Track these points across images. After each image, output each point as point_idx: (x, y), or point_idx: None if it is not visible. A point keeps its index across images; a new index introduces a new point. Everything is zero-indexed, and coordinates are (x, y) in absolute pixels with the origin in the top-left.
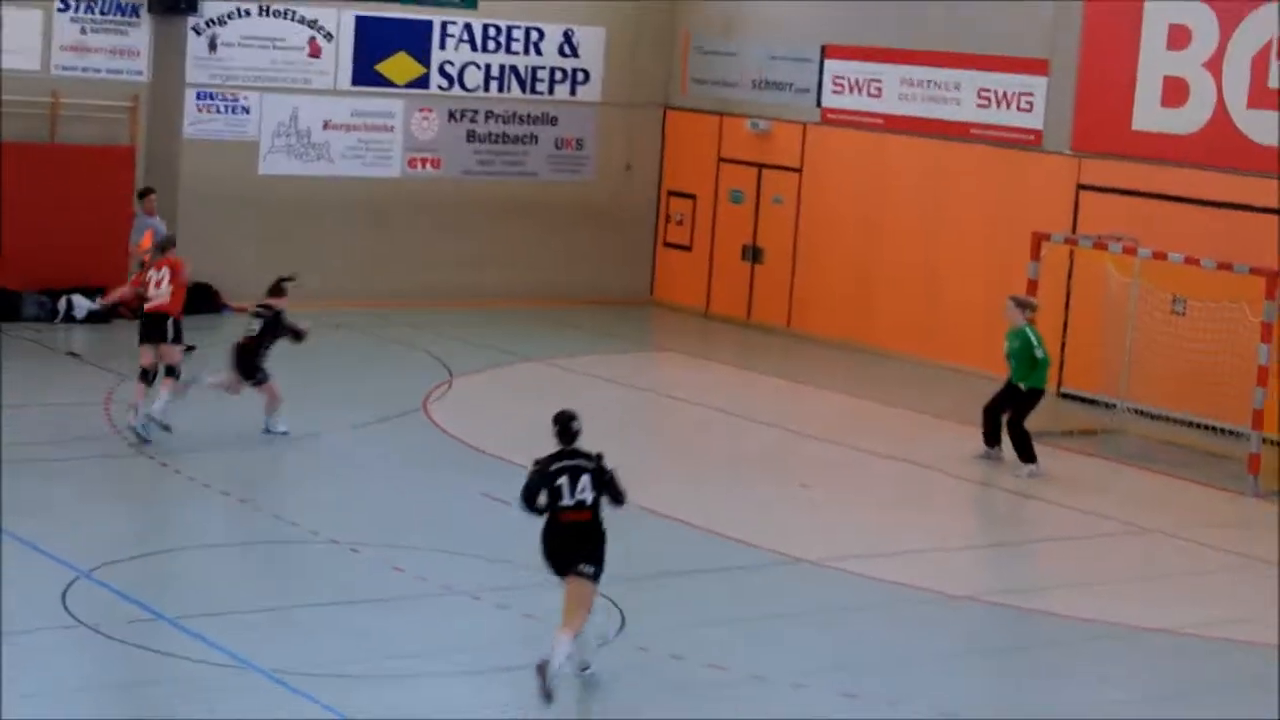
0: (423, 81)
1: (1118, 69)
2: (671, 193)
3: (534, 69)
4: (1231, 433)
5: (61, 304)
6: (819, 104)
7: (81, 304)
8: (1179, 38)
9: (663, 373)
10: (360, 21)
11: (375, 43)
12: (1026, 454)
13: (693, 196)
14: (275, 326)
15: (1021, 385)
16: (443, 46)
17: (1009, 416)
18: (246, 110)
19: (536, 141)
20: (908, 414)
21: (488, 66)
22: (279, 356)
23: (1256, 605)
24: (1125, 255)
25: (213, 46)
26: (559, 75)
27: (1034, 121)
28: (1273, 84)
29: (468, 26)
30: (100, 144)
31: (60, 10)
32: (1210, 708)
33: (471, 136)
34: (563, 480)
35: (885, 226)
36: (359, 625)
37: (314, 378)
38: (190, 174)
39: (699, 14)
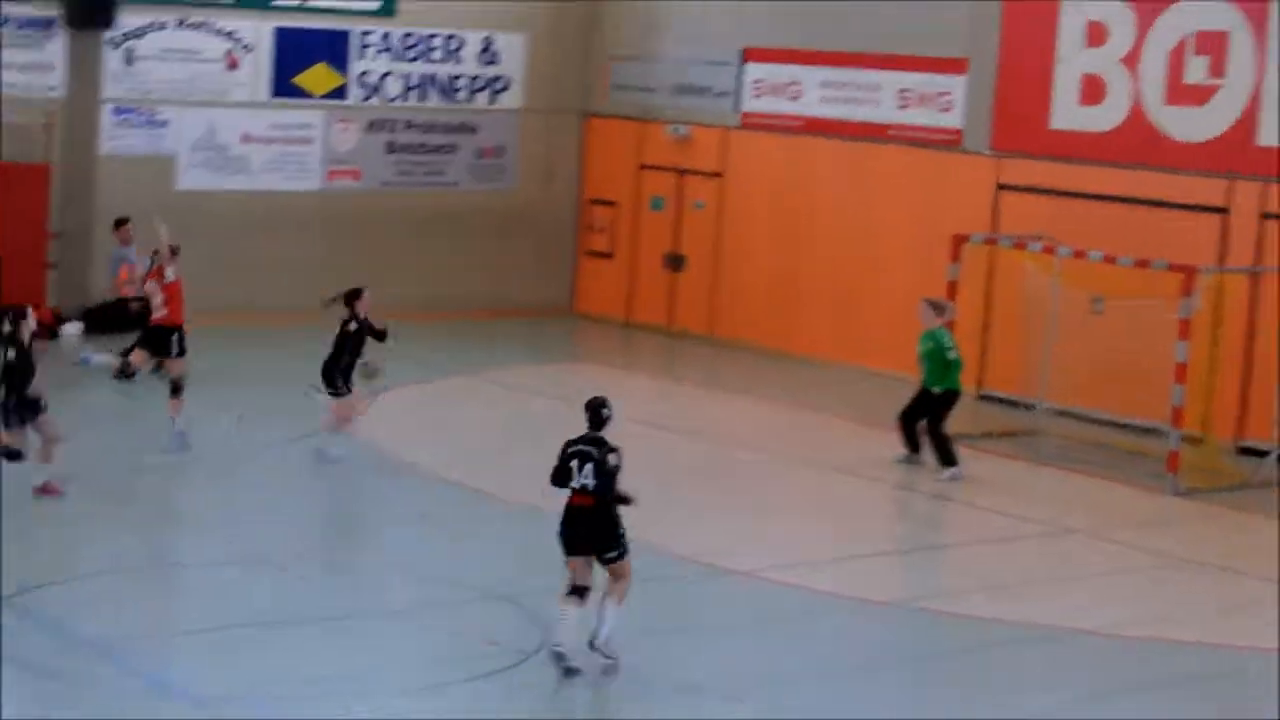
0: (341, 92)
1: (1035, 68)
2: (592, 200)
3: (454, 77)
4: (1151, 431)
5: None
6: (739, 108)
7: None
8: (1096, 35)
9: (585, 383)
10: (278, 33)
11: (293, 54)
12: (947, 458)
13: (614, 204)
14: (357, 335)
15: (935, 389)
16: (361, 57)
17: (927, 421)
18: (164, 124)
19: (457, 151)
20: (830, 419)
21: (407, 76)
22: (201, 376)
23: (1180, 604)
24: (1044, 254)
25: (129, 60)
26: (479, 83)
27: (953, 121)
28: (1189, 80)
29: (386, 36)
30: (14, 161)
31: None
32: (1138, 708)
33: (391, 147)
34: (574, 463)
35: (807, 230)
36: (284, 645)
37: (237, 394)
38: (107, 190)
39: (618, 20)
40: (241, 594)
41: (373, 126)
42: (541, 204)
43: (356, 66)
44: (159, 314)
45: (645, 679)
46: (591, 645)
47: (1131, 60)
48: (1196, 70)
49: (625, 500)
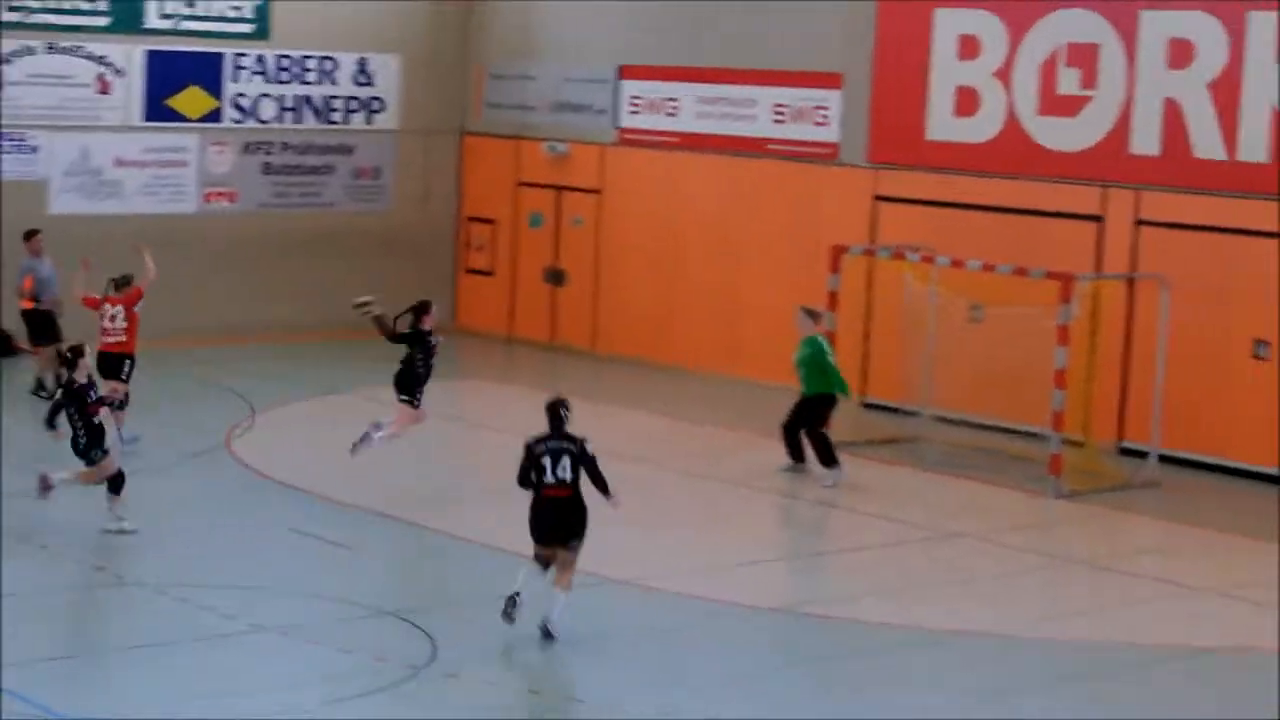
0: (216, 115)
1: (910, 81)
2: (471, 219)
3: (329, 99)
4: (1033, 435)
5: None
6: (616, 125)
7: None
8: (969, 48)
9: (468, 400)
10: (150, 56)
11: (166, 77)
12: (828, 459)
13: (492, 222)
14: (425, 347)
15: (815, 394)
16: (235, 79)
17: (808, 424)
18: (35, 149)
19: (334, 172)
20: (714, 431)
21: (282, 97)
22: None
23: (1064, 604)
24: (923, 264)
25: None
26: (354, 104)
27: (830, 135)
28: (1062, 91)
29: (260, 58)
30: None
31: None
32: (1025, 708)
33: (267, 169)
34: (546, 460)
35: (685, 244)
36: (167, 667)
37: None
38: None
39: (494, 39)
40: (125, 616)
41: (249, 149)
42: (420, 223)
43: (231, 89)
44: (116, 339)
45: (534, 689)
46: (544, 629)
47: (1004, 72)
48: (1069, 81)
49: (605, 483)
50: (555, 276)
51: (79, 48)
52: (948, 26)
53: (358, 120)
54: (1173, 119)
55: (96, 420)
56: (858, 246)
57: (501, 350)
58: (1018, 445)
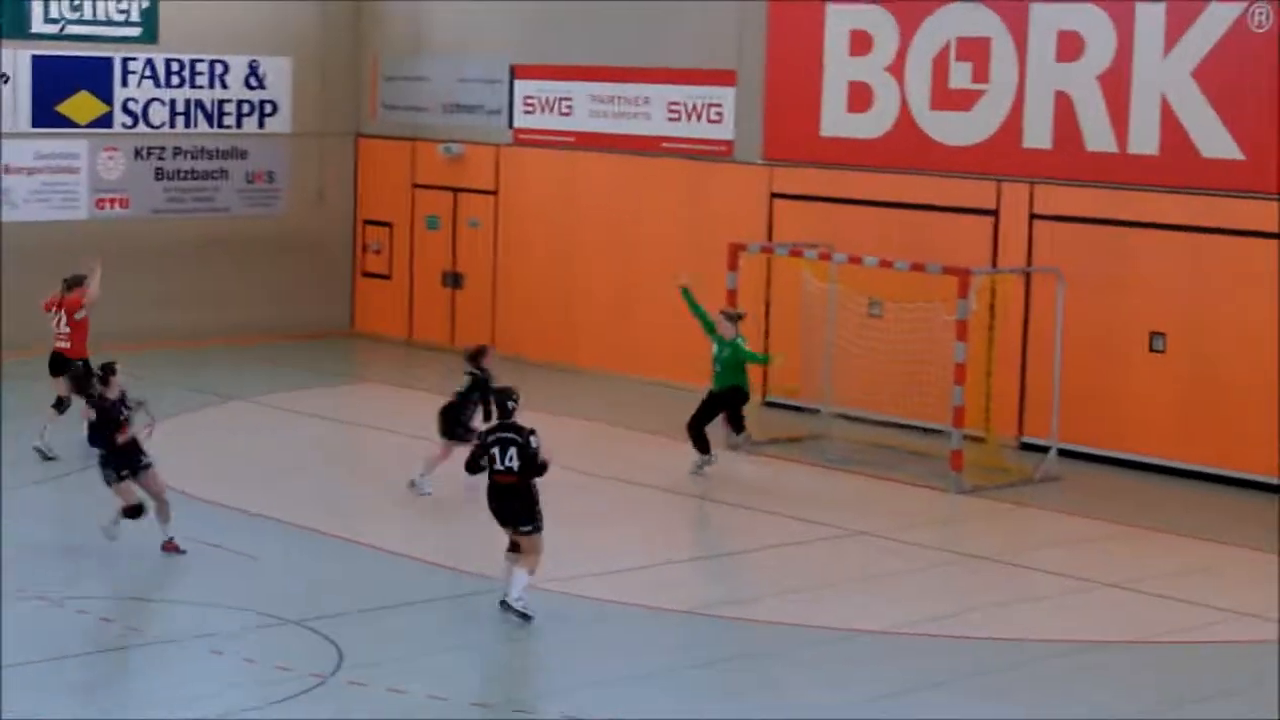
0: (106, 120)
1: (803, 77)
2: (367, 221)
3: (220, 102)
4: (934, 431)
5: None
6: (511, 125)
7: None
8: (861, 43)
9: (367, 404)
10: (37, 61)
11: (54, 83)
12: (703, 445)
13: (389, 224)
14: (484, 389)
15: (721, 389)
16: (125, 84)
17: (701, 412)
18: None
19: (227, 176)
20: (615, 430)
21: (173, 102)
22: None
23: (968, 599)
24: (820, 261)
25: None
26: (246, 108)
27: (724, 133)
28: (954, 85)
29: (149, 62)
30: None
31: None
32: (930, 704)
33: (160, 174)
34: (495, 449)
35: (581, 244)
36: (71, 682)
37: (3, 429)
38: None
39: (386, 40)
40: (28, 630)
41: (140, 154)
42: (315, 226)
43: (120, 94)
44: (62, 344)
45: (442, 694)
46: (503, 604)
47: (897, 68)
48: (960, 76)
49: (545, 467)
50: (453, 279)
51: None
52: (839, 23)
53: (250, 124)
54: (1064, 112)
55: (120, 440)
56: (755, 244)
57: (400, 353)
58: (919, 441)
